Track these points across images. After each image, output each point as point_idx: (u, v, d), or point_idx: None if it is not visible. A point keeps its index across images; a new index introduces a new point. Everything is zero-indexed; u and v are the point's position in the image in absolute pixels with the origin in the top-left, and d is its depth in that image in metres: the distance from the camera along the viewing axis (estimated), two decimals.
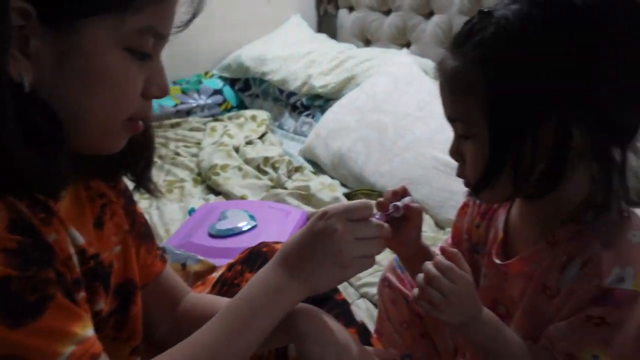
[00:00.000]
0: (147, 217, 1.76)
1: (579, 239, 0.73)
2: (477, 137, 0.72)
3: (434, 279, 0.72)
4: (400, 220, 0.83)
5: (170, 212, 1.81)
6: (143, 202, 1.92)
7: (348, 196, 1.81)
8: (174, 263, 1.15)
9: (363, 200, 0.71)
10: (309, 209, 1.70)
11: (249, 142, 2.30)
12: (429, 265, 0.73)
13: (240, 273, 1.02)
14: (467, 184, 0.78)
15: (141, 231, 0.83)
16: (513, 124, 0.69)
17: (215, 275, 1.06)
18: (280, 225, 1.52)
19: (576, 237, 0.73)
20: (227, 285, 1.01)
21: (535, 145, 0.68)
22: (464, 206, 0.97)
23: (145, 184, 0.78)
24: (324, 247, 0.67)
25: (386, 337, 1.12)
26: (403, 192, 0.83)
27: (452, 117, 0.75)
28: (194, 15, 0.68)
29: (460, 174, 0.78)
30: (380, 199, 0.79)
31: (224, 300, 0.89)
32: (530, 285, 0.78)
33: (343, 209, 0.68)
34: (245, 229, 1.47)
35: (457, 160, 0.78)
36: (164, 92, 0.64)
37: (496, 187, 0.72)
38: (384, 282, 1.12)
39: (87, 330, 0.58)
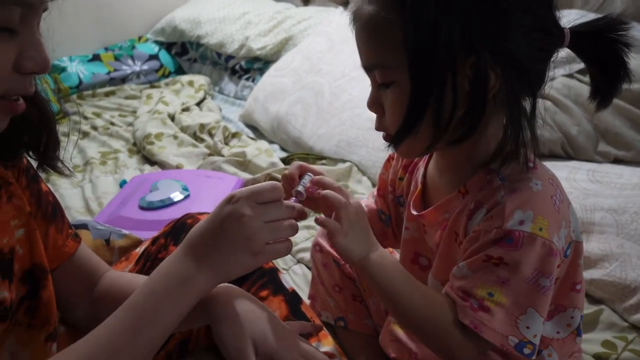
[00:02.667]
0: (79, 190, 1.73)
1: (488, 187, 0.74)
2: (396, 84, 0.70)
3: (344, 205, 0.72)
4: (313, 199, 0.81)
5: (103, 185, 1.75)
6: (77, 176, 1.85)
7: (284, 161, 1.78)
8: (97, 239, 1.11)
9: (271, 182, 0.68)
10: (246, 176, 1.67)
11: (185, 109, 2.23)
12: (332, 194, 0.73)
13: (164, 247, 0.99)
14: (386, 137, 0.77)
15: (49, 211, 0.79)
16: (433, 69, 0.67)
17: (140, 250, 1.02)
18: (215, 194, 1.48)
19: (485, 186, 0.74)
20: (150, 260, 0.99)
21: (455, 91, 0.67)
22: (389, 159, 0.97)
23: (49, 162, 0.74)
24: (232, 233, 0.64)
25: (320, 300, 1.11)
26: (301, 172, 0.80)
27: (369, 66, 0.73)
28: None
29: (379, 126, 0.77)
30: (322, 178, 0.77)
31: (142, 278, 0.85)
32: (444, 233, 0.79)
33: (250, 192, 0.66)
34: (177, 199, 1.43)
35: (375, 111, 0.76)
36: (42, 67, 0.59)
37: (417, 136, 0.71)
38: (316, 247, 1.11)
39: None
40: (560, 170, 1.36)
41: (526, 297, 0.69)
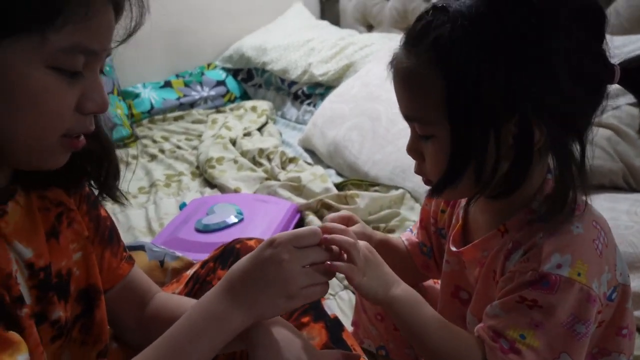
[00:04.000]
0: (143, 211, 1.81)
1: (527, 228, 0.72)
2: (436, 139, 0.70)
3: (354, 245, 0.72)
4: None
5: (166, 206, 1.83)
6: (141, 197, 1.95)
7: (338, 187, 1.80)
8: (152, 260, 1.17)
9: (311, 228, 0.71)
10: (300, 201, 1.70)
11: (247, 134, 2.31)
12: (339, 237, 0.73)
13: (212, 270, 1.03)
14: (426, 182, 0.77)
15: (106, 235, 0.84)
16: (476, 128, 0.66)
17: (190, 272, 1.07)
18: (268, 219, 1.52)
19: (525, 226, 0.73)
20: (199, 283, 1.02)
21: (498, 146, 0.67)
22: None
23: (108, 192, 0.78)
24: (270, 276, 0.67)
25: (362, 328, 1.12)
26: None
27: (409, 117, 0.74)
28: (134, 29, 0.67)
29: (419, 171, 0.77)
30: (327, 224, 0.78)
31: (190, 302, 0.89)
32: (482, 271, 0.78)
33: (291, 237, 0.68)
34: (231, 223, 1.48)
35: (415, 158, 0.77)
36: (101, 107, 0.63)
37: (458, 187, 0.71)
38: None
39: (17, 357, 0.58)
40: (622, 202, 1.31)
41: (560, 341, 0.67)
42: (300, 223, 1.63)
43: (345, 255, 0.73)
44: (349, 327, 1.18)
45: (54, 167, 0.65)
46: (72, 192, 0.77)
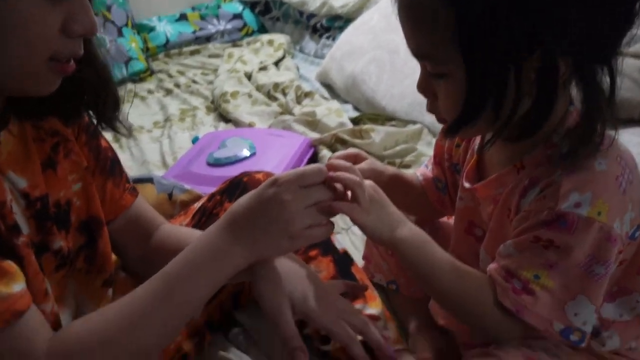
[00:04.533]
0: (158, 145, 1.80)
1: (546, 164, 0.68)
2: (450, 77, 0.64)
3: (358, 184, 0.69)
4: None
5: (180, 140, 1.81)
6: (156, 131, 1.93)
7: (354, 121, 1.76)
8: (160, 193, 1.16)
9: (316, 165, 0.68)
10: (314, 136, 1.66)
11: (262, 68, 2.25)
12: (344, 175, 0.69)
13: (219, 203, 1.01)
14: (440, 120, 0.72)
15: (107, 166, 0.82)
16: (493, 65, 0.60)
17: (197, 205, 1.05)
18: (281, 153, 1.49)
19: (543, 162, 0.68)
20: (205, 216, 1.01)
21: (519, 82, 0.61)
22: None
23: (107, 122, 0.76)
24: (272, 216, 0.65)
25: (373, 263, 1.10)
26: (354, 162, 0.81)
27: (418, 55, 0.67)
28: None
29: (432, 109, 0.71)
30: (333, 161, 0.74)
31: (195, 233, 0.88)
32: (496, 208, 0.75)
33: (294, 176, 0.66)
34: (243, 157, 1.45)
35: (426, 96, 0.71)
36: (87, 29, 0.60)
37: (475, 127, 0.67)
38: None
39: (12, 286, 0.58)
40: None
41: (576, 283, 0.64)
42: (314, 157, 1.60)
43: (350, 194, 0.70)
44: (360, 261, 1.17)
45: (45, 94, 0.62)
46: (69, 122, 0.75)
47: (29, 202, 0.67)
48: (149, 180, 1.18)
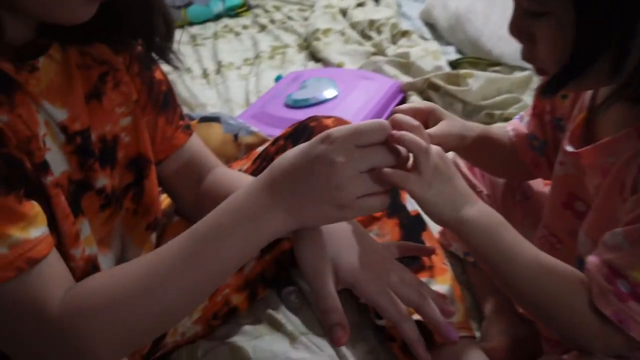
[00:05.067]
0: (244, 83, 1.74)
1: None
2: (552, 17, 0.51)
3: (424, 149, 0.55)
4: None
5: (266, 79, 1.73)
6: (244, 68, 1.87)
7: (452, 65, 1.57)
8: (226, 134, 1.08)
9: (377, 121, 0.54)
10: (405, 80, 1.51)
11: (360, 4, 2.09)
12: (408, 135, 0.55)
13: (282, 148, 0.92)
14: (539, 71, 0.58)
15: (160, 100, 0.76)
16: (610, 3, 0.47)
17: (260, 149, 0.97)
18: (365, 97, 1.36)
19: None
20: (267, 161, 0.92)
21: None
22: None
23: (159, 52, 0.69)
24: (319, 179, 0.53)
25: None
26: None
27: None
28: None
29: (529, 55, 0.57)
30: (397, 116, 0.59)
31: (248, 178, 0.81)
32: (606, 182, 0.59)
33: (350, 133, 0.53)
34: (322, 99, 1.34)
35: (521, 41, 0.57)
36: None
37: (584, 82, 0.53)
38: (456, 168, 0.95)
39: (29, 231, 0.52)
40: None
41: None
42: (401, 104, 1.45)
43: (412, 160, 0.57)
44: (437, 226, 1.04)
45: (80, 20, 0.55)
46: (119, 50, 0.69)
47: (68, 137, 0.62)
48: (215, 119, 1.11)
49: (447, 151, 0.72)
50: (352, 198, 0.54)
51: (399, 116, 0.57)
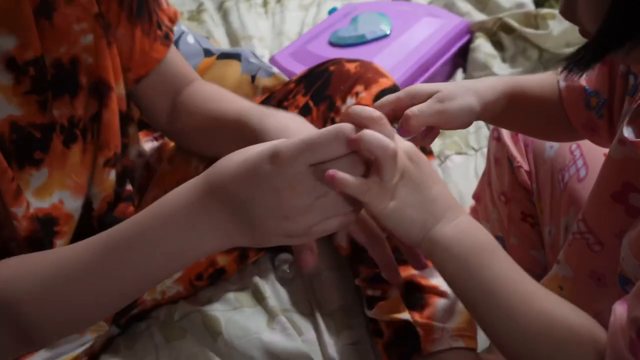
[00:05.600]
0: (302, 14, 1.59)
1: None
2: None
3: (389, 152, 0.41)
4: None
5: (326, 10, 1.56)
6: None
7: (538, 3, 1.31)
8: (244, 74, 0.96)
9: (334, 130, 0.40)
10: (479, 18, 1.29)
11: None
12: (370, 134, 0.41)
13: (291, 94, 0.79)
14: (583, 33, 0.45)
15: (133, 9, 0.65)
16: None
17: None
18: (422, 37, 1.17)
19: None
20: (270, 104, 0.80)
21: None
22: None
23: None
24: (264, 208, 0.42)
25: (482, 206, 0.80)
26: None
27: None
28: None
29: (566, 11, 0.44)
30: (353, 109, 0.43)
31: (229, 95, 0.71)
32: None
33: (301, 150, 0.40)
34: (370, 38, 1.16)
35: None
36: None
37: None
38: (494, 133, 0.78)
39: None
40: None
41: None
42: (466, 47, 1.24)
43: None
44: (468, 199, 0.88)
45: None
46: None
47: (19, 71, 0.54)
48: (236, 56, 0.98)
49: (451, 127, 0.56)
50: (304, 229, 0.42)
51: (356, 109, 0.42)
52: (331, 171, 0.40)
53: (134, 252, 0.45)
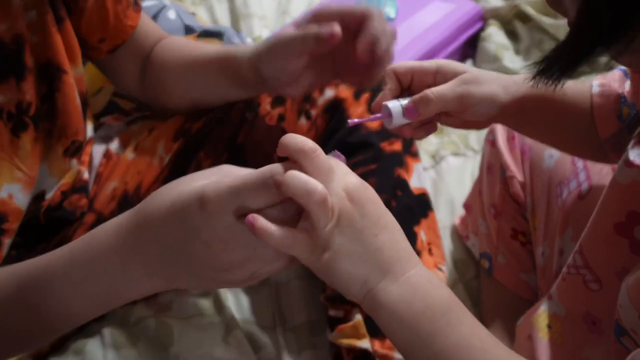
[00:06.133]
0: None
1: None
2: None
3: (318, 196, 0.34)
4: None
5: None
6: None
7: None
8: None
9: (264, 173, 0.35)
10: (496, 4, 1.18)
11: None
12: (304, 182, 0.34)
13: None
14: None
15: None
16: None
17: None
18: (429, 23, 1.08)
19: None
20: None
21: None
22: None
23: None
24: (195, 258, 0.38)
25: (473, 218, 0.72)
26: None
27: None
28: None
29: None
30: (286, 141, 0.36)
31: (203, 48, 0.67)
32: None
33: (229, 197, 0.35)
34: None
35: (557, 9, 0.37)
36: None
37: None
38: (489, 136, 0.69)
39: None
40: None
41: None
42: (476, 36, 1.14)
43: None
44: (460, 208, 0.79)
45: None
46: None
47: None
48: (218, 35, 0.91)
49: (468, 120, 0.49)
50: (245, 278, 0.38)
51: (287, 139, 0.35)
52: (250, 217, 0.34)
53: (60, 291, 0.41)
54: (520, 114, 0.51)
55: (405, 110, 0.47)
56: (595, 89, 0.53)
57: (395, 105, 0.47)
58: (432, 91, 0.47)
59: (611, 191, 0.45)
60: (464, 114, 0.48)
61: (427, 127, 0.50)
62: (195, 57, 0.65)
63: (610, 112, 0.52)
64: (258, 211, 0.35)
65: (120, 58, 0.67)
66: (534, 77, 0.35)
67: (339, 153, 0.38)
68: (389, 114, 0.47)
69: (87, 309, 0.42)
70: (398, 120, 0.47)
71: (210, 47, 0.65)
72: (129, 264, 0.39)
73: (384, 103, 0.47)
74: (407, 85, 0.49)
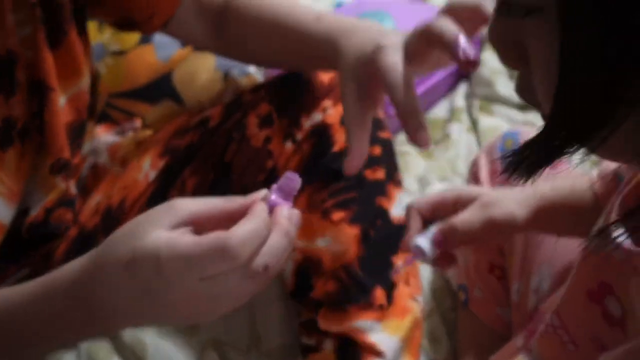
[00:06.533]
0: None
1: None
2: (544, 17, 0.29)
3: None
4: None
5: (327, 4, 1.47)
6: None
7: None
8: (218, 70, 0.88)
9: (220, 245, 0.35)
10: None
11: None
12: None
13: (261, 99, 0.70)
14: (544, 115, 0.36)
15: None
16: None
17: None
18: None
19: None
20: (236, 111, 0.71)
21: None
22: None
23: None
24: (168, 314, 0.40)
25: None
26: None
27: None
28: None
29: (522, 87, 0.36)
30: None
31: (299, 16, 0.63)
32: None
33: (185, 260, 0.36)
34: None
35: (507, 57, 0.34)
36: None
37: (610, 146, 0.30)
38: (474, 166, 0.70)
39: None
40: None
41: None
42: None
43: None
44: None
45: None
46: None
47: None
48: None
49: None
50: (218, 315, 0.40)
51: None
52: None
53: (26, 329, 0.42)
54: (536, 221, 0.51)
55: (434, 240, 0.49)
56: (595, 185, 0.54)
57: (424, 242, 0.49)
58: (460, 221, 0.48)
59: (585, 259, 0.45)
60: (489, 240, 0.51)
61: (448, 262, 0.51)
62: (292, 27, 0.62)
63: (613, 193, 0.52)
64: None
65: (180, 25, 0.66)
66: (505, 171, 0.35)
67: (292, 174, 0.39)
68: (421, 252, 0.48)
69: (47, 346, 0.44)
70: (430, 254, 0.49)
71: (309, 17, 0.61)
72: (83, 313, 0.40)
73: (413, 244, 0.49)
74: (430, 219, 0.51)
